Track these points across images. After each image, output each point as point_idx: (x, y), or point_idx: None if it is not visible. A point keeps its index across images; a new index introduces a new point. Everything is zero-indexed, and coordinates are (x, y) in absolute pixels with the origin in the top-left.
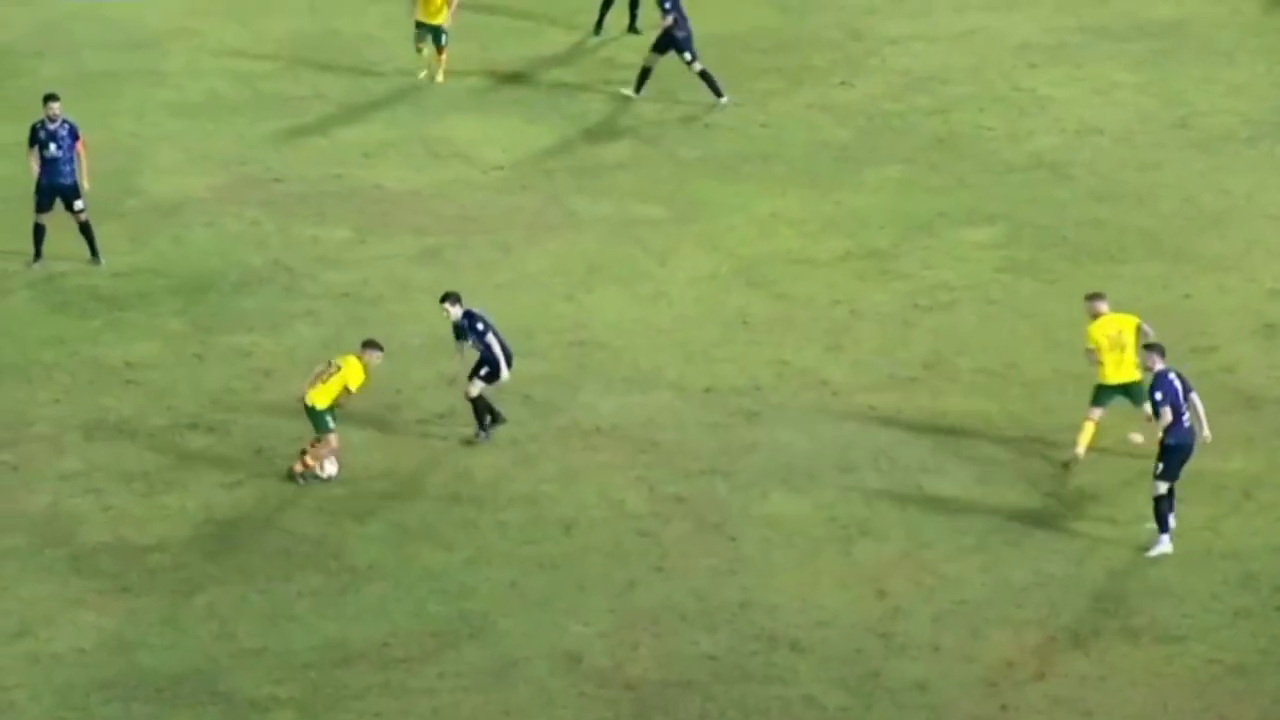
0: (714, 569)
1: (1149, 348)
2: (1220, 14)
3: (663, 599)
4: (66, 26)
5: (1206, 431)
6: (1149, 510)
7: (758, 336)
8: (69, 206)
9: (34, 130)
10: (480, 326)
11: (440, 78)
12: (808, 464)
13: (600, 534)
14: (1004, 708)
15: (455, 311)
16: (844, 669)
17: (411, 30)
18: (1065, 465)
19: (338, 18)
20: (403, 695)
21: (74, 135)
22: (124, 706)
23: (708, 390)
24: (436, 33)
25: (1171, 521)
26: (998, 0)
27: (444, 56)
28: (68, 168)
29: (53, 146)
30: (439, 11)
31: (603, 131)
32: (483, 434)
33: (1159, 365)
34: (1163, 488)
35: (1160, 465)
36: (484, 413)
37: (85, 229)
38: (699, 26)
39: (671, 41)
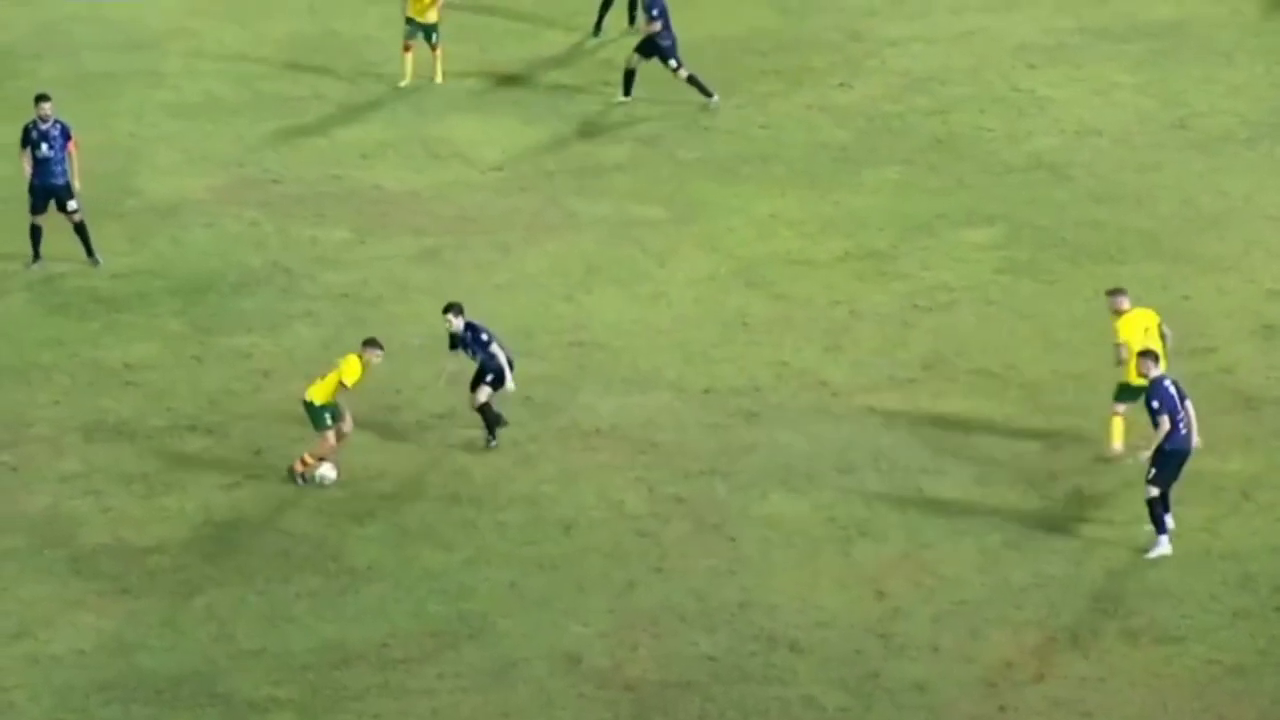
0: (713, 569)
1: (1144, 355)
2: (1219, 15)
3: (662, 599)
4: (66, 27)
5: (1197, 439)
6: (1147, 512)
7: (757, 337)
8: (62, 207)
9: (26, 131)
10: (485, 337)
11: (439, 78)
12: (807, 465)
13: (599, 534)
14: (1003, 708)
15: (457, 323)
16: (843, 669)
17: (403, 30)
18: (1105, 460)
19: (337, 19)
20: (402, 696)
21: (66, 135)
22: (123, 708)
23: (707, 391)
24: (428, 31)
25: (1169, 522)
26: (997, 1)
27: (439, 54)
28: (60, 168)
29: (44, 147)
30: (429, 8)
31: (601, 132)
32: (493, 440)
33: (1155, 373)
34: (1155, 491)
35: (1153, 470)
36: (493, 419)
37: (80, 229)
38: (699, 28)
39: (655, 48)
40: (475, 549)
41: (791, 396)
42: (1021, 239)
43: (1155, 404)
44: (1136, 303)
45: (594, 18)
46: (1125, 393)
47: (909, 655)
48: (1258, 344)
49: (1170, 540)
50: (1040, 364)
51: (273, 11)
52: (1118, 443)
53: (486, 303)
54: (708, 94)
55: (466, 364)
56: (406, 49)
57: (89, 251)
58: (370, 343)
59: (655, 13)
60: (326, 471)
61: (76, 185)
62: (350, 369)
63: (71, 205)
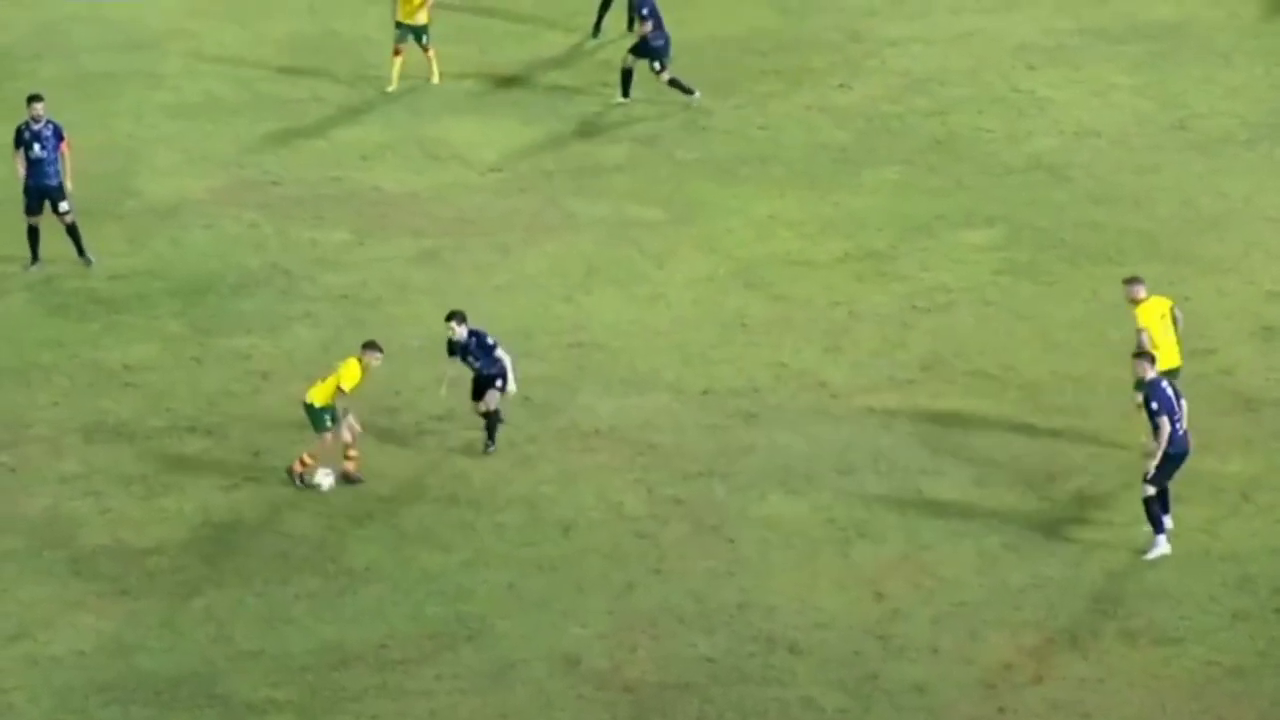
0: (712, 571)
1: (1140, 356)
2: (1218, 16)
3: (661, 601)
4: (65, 28)
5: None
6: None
7: (756, 338)
8: (54, 208)
9: (19, 132)
10: (490, 342)
11: (435, 78)
12: (806, 466)
13: (598, 536)
14: (1002, 710)
15: (461, 331)
16: (842, 671)
17: (393, 33)
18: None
19: (336, 20)
20: (400, 697)
21: (59, 136)
22: (122, 709)
23: (706, 392)
24: (419, 33)
25: (1167, 522)
26: (996, 2)
27: (432, 55)
28: (53, 169)
29: (37, 147)
30: (419, 10)
31: (600, 133)
32: (493, 446)
33: (1151, 374)
34: (1151, 490)
35: (1151, 470)
36: (497, 426)
37: (72, 230)
38: (698, 29)
39: (648, 49)
40: (474, 550)
41: (790, 397)
42: (1020, 240)
43: (1154, 405)
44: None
45: (593, 19)
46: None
47: (908, 657)
48: (1257, 345)
49: (1169, 540)
50: (1039, 365)
51: (272, 12)
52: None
53: (485, 304)
54: (688, 92)
55: (465, 370)
56: (396, 53)
57: (80, 251)
58: (370, 346)
59: (645, 12)
60: (323, 479)
61: (69, 186)
62: (348, 373)
63: (63, 206)
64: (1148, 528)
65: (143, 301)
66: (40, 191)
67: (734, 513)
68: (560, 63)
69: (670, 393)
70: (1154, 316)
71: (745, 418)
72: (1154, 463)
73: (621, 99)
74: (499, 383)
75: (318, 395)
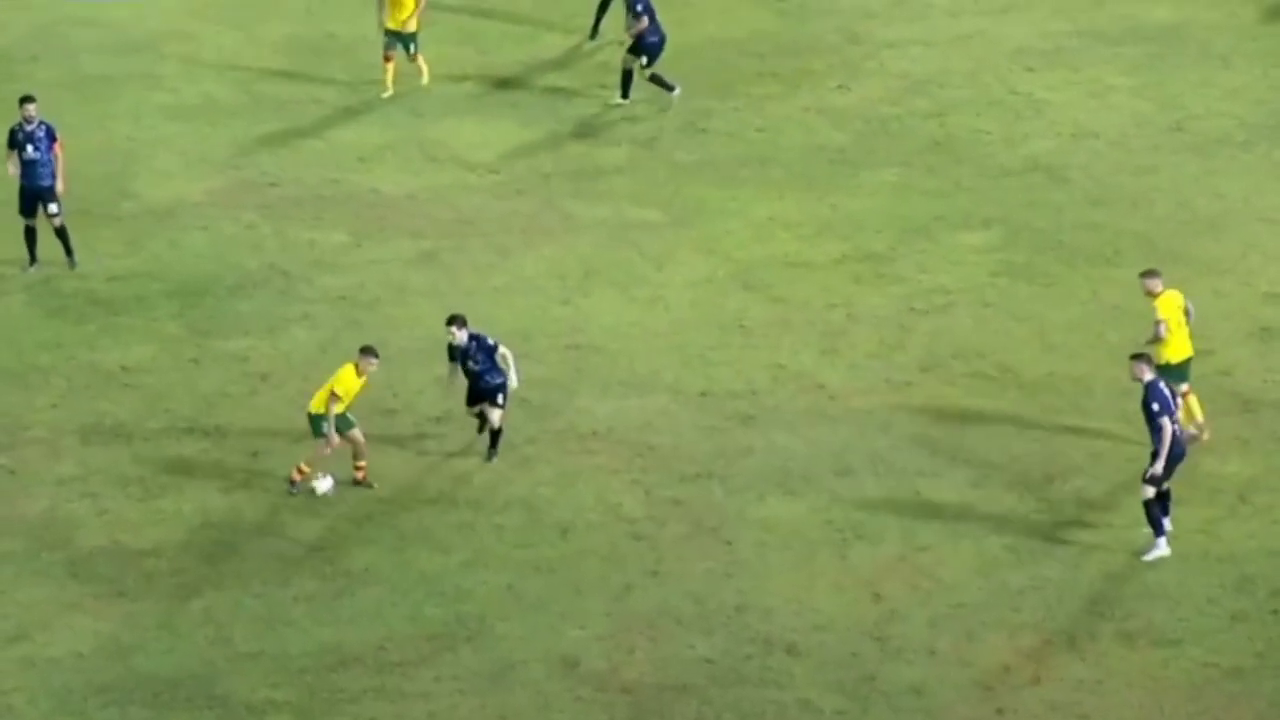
0: (710, 572)
1: (1137, 358)
2: (1216, 18)
3: (659, 602)
4: (63, 30)
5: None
6: (1144, 515)
7: (754, 340)
8: (44, 209)
9: (12, 133)
10: (491, 342)
11: (425, 80)
12: (804, 467)
13: (597, 537)
14: (1000, 711)
15: (461, 335)
16: (840, 672)
17: (381, 40)
18: (1194, 439)
19: (334, 22)
20: (399, 699)
21: (51, 137)
22: (121, 710)
23: (704, 394)
24: (407, 41)
25: (1167, 524)
26: (994, 4)
27: (420, 61)
28: (46, 170)
29: (30, 148)
30: (409, 18)
31: (599, 135)
32: (495, 454)
33: (1148, 375)
34: (1150, 492)
35: (1150, 471)
36: (500, 436)
37: (60, 233)
38: (697, 31)
39: (643, 46)
40: (472, 552)
41: (788, 399)
42: (1018, 241)
43: (1155, 406)
44: (1134, 305)
45: (591, 20)
46: (1171, 374)
47: (906, 658)
48: (1255, 346)
49: (1168, 542)
50: (1037, 366)
51: (270, 15)
52: (1199, 419)
53: (484, 306)
54: (669, 89)
55: (463, 382)
56: (387, 59)
57: (68, 253)
58: (366, 351)
59: (640, 8)
60: (320, 484)
61: (60, 187)
62: (341, 378)
63: (53, 208)
64: (1148, 530)
65: (141, 303)
66: (34, 193)
67: (732, 514)
68: (559, 64)
69: (668, 394)
70: (1173, 308)
71: (743, 419)
72: (1158, 462)
73: (620, 100)
74: (500, 398)
75: (314, 402)
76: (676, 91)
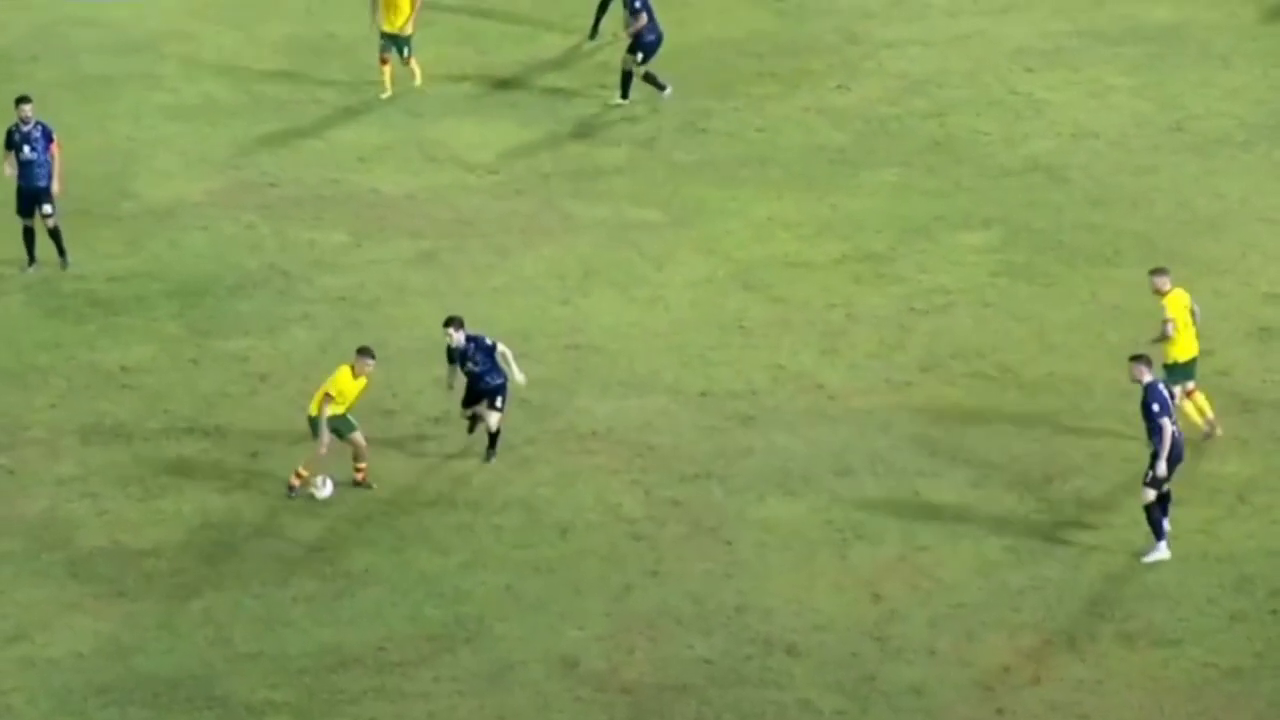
0: (710, 573)
1: (1136, 359)
2: (1216, 18)
3: (659, 603)
4: (63, 30)
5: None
6: (1144, 516)
7: (754, 340)
8: (39, 209)
9: (9, 134)
10: (489, 343)
11: (418, 82)
12: (803, 468)
13: (596, 538)
14: (1000, 712)
15: (458, 337)
16: (840, 673)
17: (377, 43)
18: (1208, 435)
19: (334, 22)
20: (398, 699)
21: (48, 137)
22: (120, 711)
23: (704, 394)
24: (401, 44)
25: (1166, 526)
26: (994, 4)
27: (414, 65)
28: (42, 170)
29: (26, 149)
30: (406, 21)
31: (598, 135)
32: (494, 455)
33: (1148, 377)
34: (1151, 495)
35: (1150, 473)
36: (498, 438)
37: (54, 233)
38: (696, 31)
39: (640, 44)
40: (472, 552)
41: (788, 399)
42: (1018, 242)
43: (1155, 407)
44: (1133, 306)
45: (590, 20)
46: (1178, 373)
47: (905, 658)
48: (1254, 347)
49: (1169, 545)
50: (1037, 366)
51: (270, 15)
52: (1210, 415)
53: (483, 306)
54: (661, 87)
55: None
56: (384, 61)
57: (60, 252)
58: (362, 352)
59: (638, 5)
60: (319, 488)
61: (57, 188)
62: (337, 379)
63: (47, 209)
64: (1148, 530)
65: (140, 303)
66: (31, 193)
67: (732, 514)
68: (558, 64)
69: (668, 395)
70: (1181, 307)
71: (743, 419)
72: (1161, 464)
73: (620, 100)
74: (499, 400)
75: (312, 404)
76: (668, 91)
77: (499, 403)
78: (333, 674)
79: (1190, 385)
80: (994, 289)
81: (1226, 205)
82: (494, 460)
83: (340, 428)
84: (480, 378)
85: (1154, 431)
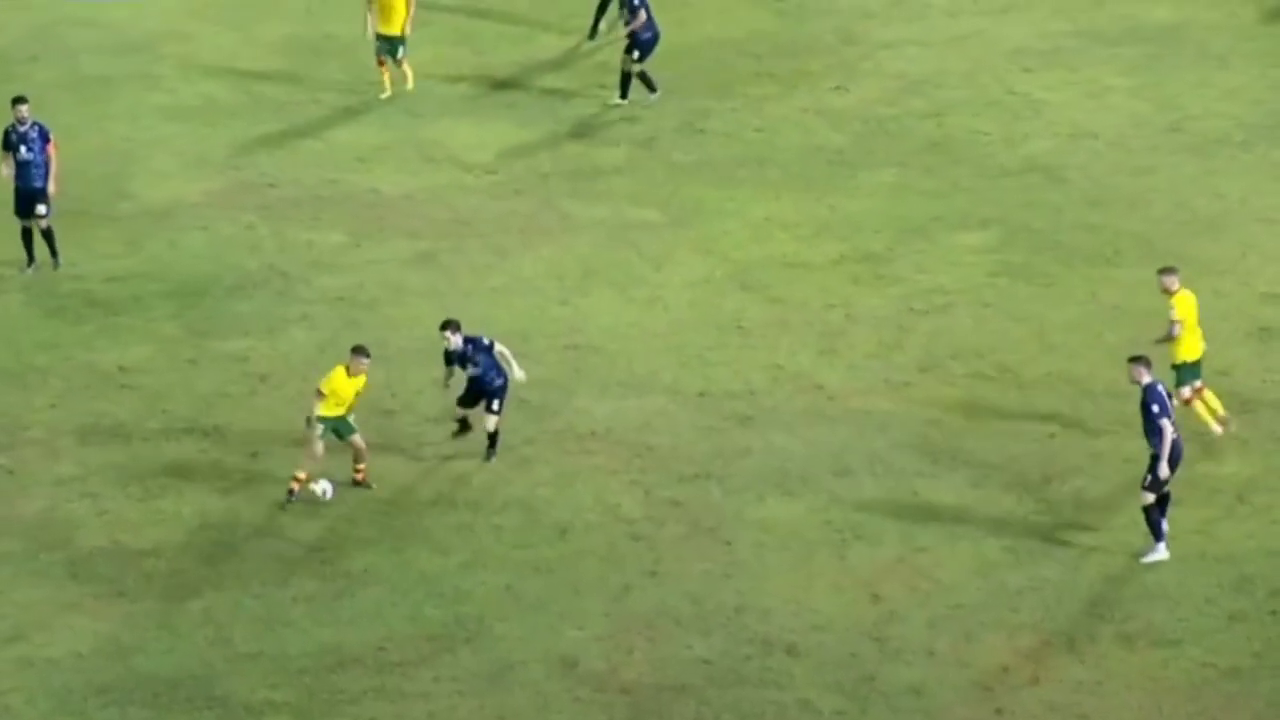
0: (708, 573)
1: (1135, 360)
2: (1215, 18)
3: (657, 603)
4: (61, 30)
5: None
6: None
7: (752, 340)
8: (33, 210)
9: (6, 134)
10: (487, 342)
11: (410, 85)
12: (802, 468)
13: (595, 538)
14: (999, 712)
15: (455, 340)
16: (839, 673)
17: (373, 45)
18: (1224, 426)
19: (332, 22)
20: (398, 699)
21: (45, 138)
22: (120, 711)
23: (702, 394)
24: (394, 46)
25: (1165, 527)
26: (992, 5)
27: (406, 68)
28: (39, 171)
29: (23, 149)
30: (399, 22)
31: (597, 136)
32: (493, 454)
33: (1146, 378)
34: (1150, 498)
35: (1149, 477)
36: (497, 437)
37: (47, 234)
38: (694, 31)
39: (636, 43)
40: (471, 552)
41: (787, 400)
42: (1016, 242)
43: (1155, 408)
44: (1131, 306)
45: (589, 21)
46: (1186, 372)
47: (904, 659)
48: (1253, 347)
49: (1167, 545)
50: (1036, 366)
51: (269, 15)
52: (1215, 425)
53: (482, 306)
54: (652, 89)
55: (460, 374)
56: (380, 63)
57: (53, 253)
58: (356, 350)
59: (637, 2)
60: (318, 489)
61: (53, 189)
62: (331, 377)
63: (40, 209)
64: (1147, 531)
65: (139, 304)
66: (27, 194)
67: (730, 515)
68: (556, 65)
69: (667, 395)
70: (1189, 307)
71: (741, 420)
72: (1163, 465)
73: (619, 100)
74: (495, 404)
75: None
76: (656, 95)
77: (495, 405)
78: (332, 674)
79: (1198, 384)
80: (992, 289)
81: (1225, 205)
82: (494, 460)
83: (340, 429)
84: (481, 379)
85: (1153, 433)
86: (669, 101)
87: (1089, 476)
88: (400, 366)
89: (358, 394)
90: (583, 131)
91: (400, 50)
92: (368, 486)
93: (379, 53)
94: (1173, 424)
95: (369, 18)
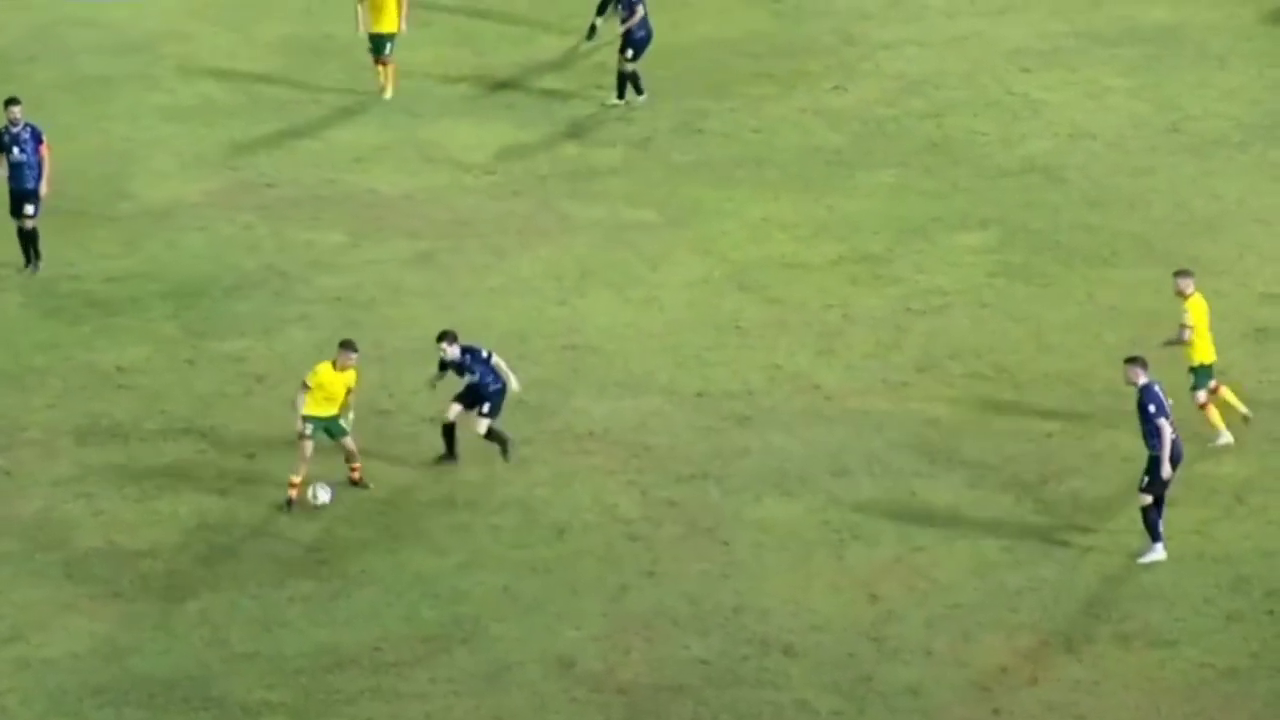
0: (706, 573)
1: (1131, 361)
2: (1213, 19)
3: (655, 603)
4: (60, 31)
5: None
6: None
7: (750, 341)
8: (22, 210)
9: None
10: (485, 354)
11: (388, 93)
12: (800, 468)
13: (592, 538)
14: (996, 712)
15: (452, 351)
16: (836, 673)
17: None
18: (1245, 421)
19: (331, 22)
20: (394, 700)
21: (37, 139)
22: (116, 711)
23: (700, 394)
24: (382, 43)
25: (1162, 528)
26: (991, 5)
27: (392, 68)
28: (32, 172)
29: (16, 150)
30: (392, 19)
31: (595, 136)
32: (509, 454)
33: (1143, 379)
34: (1148, 499)
35: (1146, 478)
36: (502, 437)
37: (31, 235)
38: (693, 31)
39: (629, 41)
40: (468, 553)
41: (784, 400)
42: (1015, 242)
43: (1152, 409)
44: (1131, 306)
45: (588, 21)
46: (1203, 375)
47: (902, 659)
48: (1251, 347)
49: (1164, 545)
50: (1034, 367)
51: (268, 15)
52: (1224, 430)
53: (480, 306)
54: (639, 91)
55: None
56: (378, 63)
57: (35, 255)
58: (344, 345)
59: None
60: (318, 494)
61: (44, 190)
62: (317, 372)
63: (28, 209)
64: (1144, 531)
65: (137, 304)
66: (20, 195)
67: (728, 515)
68: (555, 66)
69: (664, 395)
70: (1202, 311)
71: (739, 420)
72: (1165, 466)
73: (616, 101)
74: (485, 407)
75: (311, 405)
76: (643, 98)
77: (486, 409)
78: (329, 674)
79: (1212, 384)
80: (991, 290)
81: (1223, 206)
82: (515, 456)
83: (332, 429)
84: (478, 384)
85: (1151, 434)
86: (666, 102)
87: (1087, 477)
88: (397, 366)
89: (349, 391)
90: (581, 132)
91: (388, 47)
92: (364, 486)
93: (373, 53)
94: (1171, 424)
95: (359, 15)
